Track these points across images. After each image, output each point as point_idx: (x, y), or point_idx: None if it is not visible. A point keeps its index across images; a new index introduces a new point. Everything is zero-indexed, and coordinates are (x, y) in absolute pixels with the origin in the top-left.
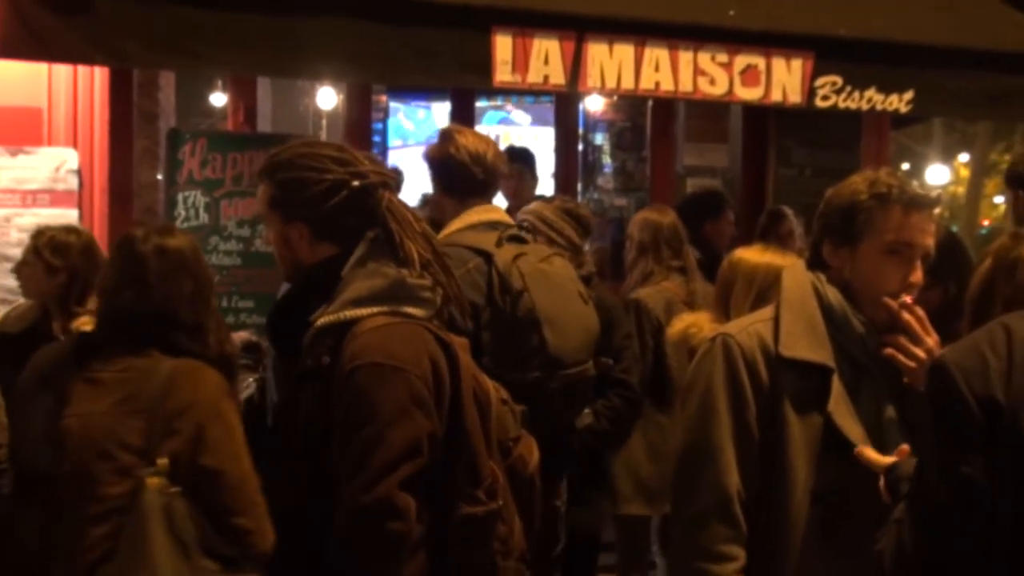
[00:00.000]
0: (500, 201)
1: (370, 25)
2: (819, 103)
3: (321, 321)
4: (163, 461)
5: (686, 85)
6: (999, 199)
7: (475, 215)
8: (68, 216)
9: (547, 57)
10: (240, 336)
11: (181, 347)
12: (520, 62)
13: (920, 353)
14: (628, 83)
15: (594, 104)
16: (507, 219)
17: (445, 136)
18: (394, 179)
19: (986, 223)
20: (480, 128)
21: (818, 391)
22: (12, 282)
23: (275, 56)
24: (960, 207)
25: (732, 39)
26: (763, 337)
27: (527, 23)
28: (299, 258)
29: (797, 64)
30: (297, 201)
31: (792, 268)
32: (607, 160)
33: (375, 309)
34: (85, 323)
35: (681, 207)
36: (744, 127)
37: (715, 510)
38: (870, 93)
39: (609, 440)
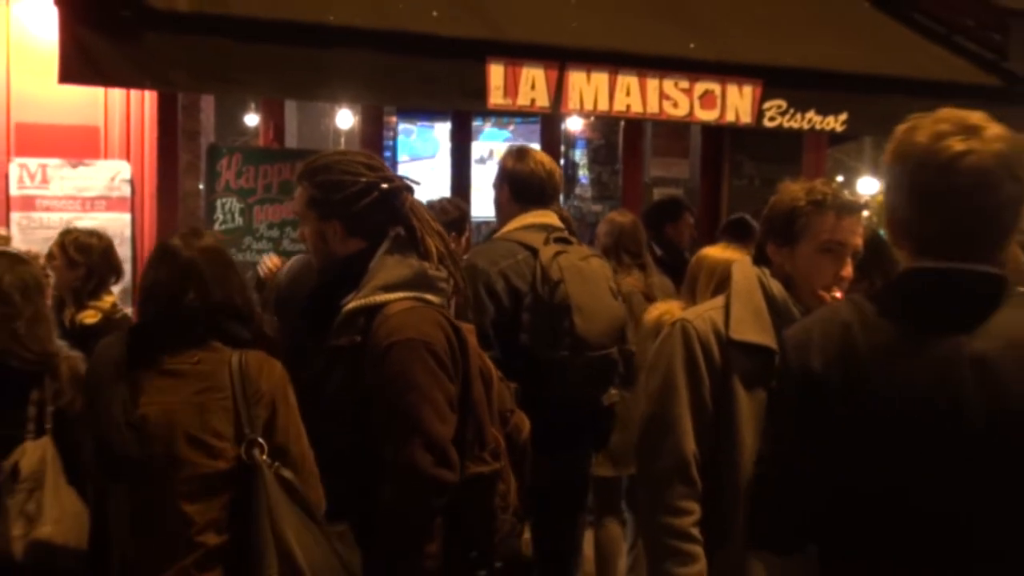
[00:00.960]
0: None
1: (382, 56)
2: (766, 123)
3: (353, 304)
4: (260, 440)
5: (653, 108)
6: None
7: (531, 218)
8: (122, 220)
9: (534, 83)
10: None
11: (240, 337)
12: (511, 88)
13: None
14: (603, 106)
15: (574, 124)
16: (558, 224)
17: (523, 154)
18: (413, 185)
19: None
20: (481, 144)
21: (763, 369)
22: None
23: (301, 82)
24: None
25: (692, 68)
26: (716, 322)
27: (517, 54)
28: (333, 251)
29: (748, 90)
30: (334, 201)
31: (740, 263)
32: (585, 172)
33: (401, 295)
34: (89, 316)
35: (645, 212)
36: (703, 144)
37: (675, 472)
38: (810, 115)
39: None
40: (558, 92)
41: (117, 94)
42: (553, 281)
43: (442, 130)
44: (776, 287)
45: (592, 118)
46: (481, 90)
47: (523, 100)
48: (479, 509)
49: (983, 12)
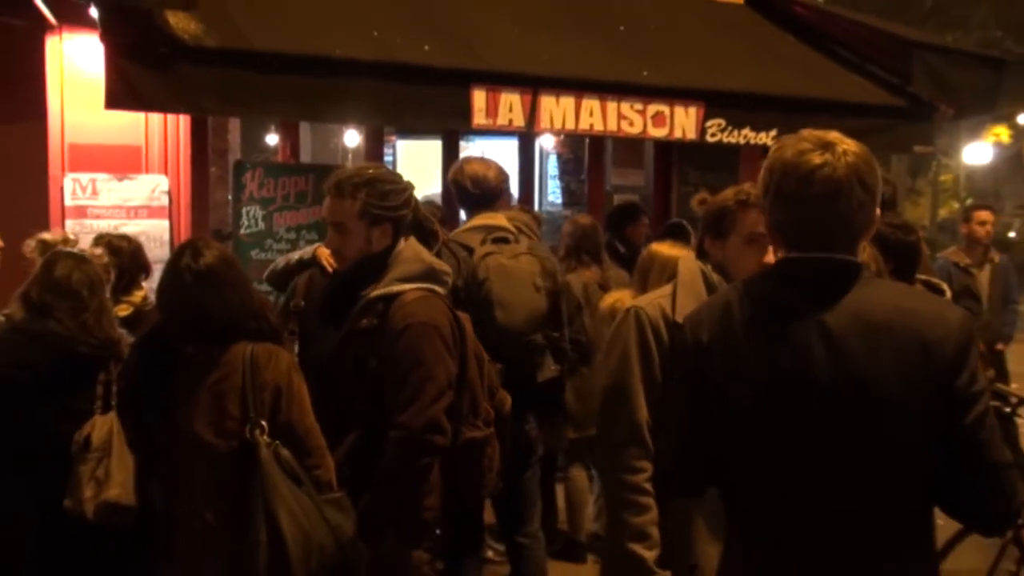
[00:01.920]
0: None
1: (382, 83)
2: (708, 139)
3: (375, 292)
4: (262, 423)
5: (612, 126)
6: None
7: (477, 220)
8: (161, 226)
9: (511, 106)
10: None
11: (254, 331)
12: (491, 110)
13: None
14: (570, 125)
15: (546, 141)
16: (503, 224)
17: (462, 164)
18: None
19: None
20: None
21: None
22: None
23: (312, 106)
24: None
25: (645, 93)
26: (664, 308)
27: (496, 82)
28: (368, 250)
29: (692, 111)
30: (387, 208)
31: (686, 258)
32: (556, 182)
33: (414, 286)
34: (122, 309)
35: (609, 216)
36: (655, 157)
37: (630, 436)
38: (745, 131)
39: (564, 380)
40: (532, 113)
41: (156, 118)
42: (479, 280)
43: (434, 147)
44: (716, 277)
45: (561, 136)
46: (466, 112)
47: (502, 120)
48: (473, 468)
49: (891, 45)
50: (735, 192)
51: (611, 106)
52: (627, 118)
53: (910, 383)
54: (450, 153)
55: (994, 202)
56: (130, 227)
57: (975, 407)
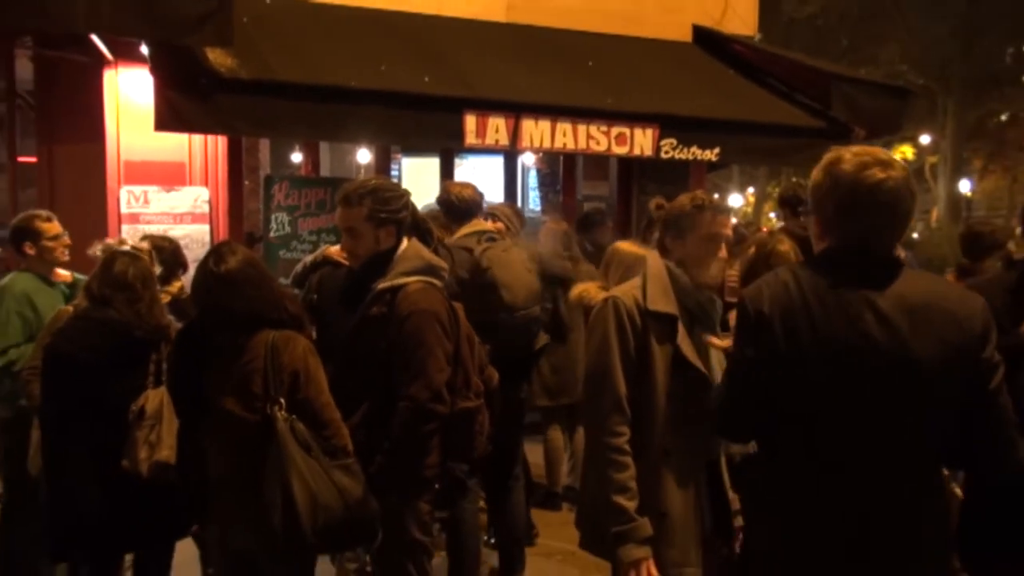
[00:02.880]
0: None
1: (390, 110)
2: (663, 155)
3: (382, 285)
4: (281, 400)
5: (582, 145)
6: (772, 215)
7: (468, 228)
8: (202, 230)
9: (498, 128)
10: None
11: (276, 320)
12: (481, 131)
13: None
14: (547, 144)
15: (527, 158)
16: (488, 227)
17: (445, 188)
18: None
19: (764, 229)
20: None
21: (670, 331)
22: None
23: (331, 129)
24: (749, 218)
25: (609, 117)
26: (636, 297)
27: (485, 108)
28: (377, 249)
29: (649, 132)
30: (390, 211)
31: (652, 255)
32: (536, 193)
33: (416, 279)
34: (162, 298)
35: (579, 220)
36: (618, 171)
37: (611, 405)
38: (694, 149)
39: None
40: (515, 134)
41: (198, 138)
42: (483, 268)
43: (433, 163)
44: (678, 272)
45: (540, 153)
46: (460, 133)
47: (490, 140)
48: (466, 433)
49: (813, 77)
50: (691, 198)
51: (581, 128)
52: (595, 138)
53: (947, 353)
54: (447, 168)
55: None
56: (176, 231)
57: (997, 374)
